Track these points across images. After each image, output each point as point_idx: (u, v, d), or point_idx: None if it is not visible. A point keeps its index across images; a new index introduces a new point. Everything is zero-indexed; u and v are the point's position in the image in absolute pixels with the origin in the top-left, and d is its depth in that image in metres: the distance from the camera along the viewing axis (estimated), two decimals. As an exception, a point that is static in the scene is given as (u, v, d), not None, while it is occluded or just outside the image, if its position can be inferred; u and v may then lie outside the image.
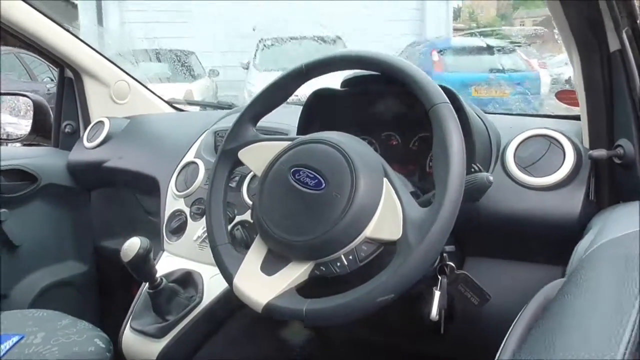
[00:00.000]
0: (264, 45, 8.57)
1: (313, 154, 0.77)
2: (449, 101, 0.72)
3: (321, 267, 0.74)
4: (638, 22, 0.76)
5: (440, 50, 7.98)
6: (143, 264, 0.95)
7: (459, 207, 0.69)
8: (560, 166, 0.83)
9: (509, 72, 7.11)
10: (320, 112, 1.00)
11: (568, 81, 14.99)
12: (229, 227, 1.03)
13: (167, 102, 1.77)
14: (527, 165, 0.86)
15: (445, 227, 0.68)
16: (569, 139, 0.85)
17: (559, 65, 21.47)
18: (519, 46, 14.43)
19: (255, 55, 8.38)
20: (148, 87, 1.71)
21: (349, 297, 0.68)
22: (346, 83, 0.98)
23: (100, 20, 8.22)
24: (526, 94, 6.53)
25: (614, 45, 0.76)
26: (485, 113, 1.01)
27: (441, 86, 0.85)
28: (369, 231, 0.72)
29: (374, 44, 9.48)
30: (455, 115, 0.71)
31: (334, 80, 0.97)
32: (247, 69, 8.28)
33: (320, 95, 1.01)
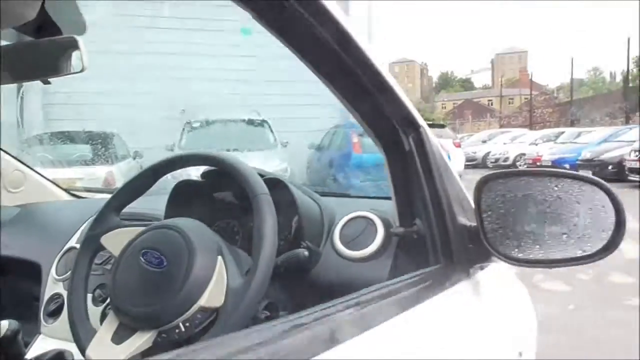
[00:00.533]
0: (191, 127, 8.72)
1: (160, 238, 0.89)
2: (267, 192, 0.87)
3: (163, 335, 0.85)
4: (419, 129, 0.96)
5: (361, 133, 8.41)
6: (10, 345, 1.02)
7: (268, 277, 0.83)
8: (373, 241, 0.99)
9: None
10: (184, 199, 1.13)
11: (483, 158, 15.97)
12: (102, 307, 1.13)
13: (65, 190, 1.85)
14: (348, 241, 1.02)
15: (258, 292, 0.82)
16: (381, 219, 1.01)
17: (475, 143, 22.89)
18: (442, 127, 15.39)
19: (181, 137, 8.49)
20: (45, 175, 1.79)
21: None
22: (204, 175, 1.13)
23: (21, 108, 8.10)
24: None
25: (407, 146, 0.96)
26: (326, 195, 1.19)
27: (274, 178, 1.01)
28: (203, 301, 0.84)
29: (301, 127, 9.88)
30: (272, 205, 0.86)
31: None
32: (172, 150, 8.36)
33: (184, 185, 1.15)
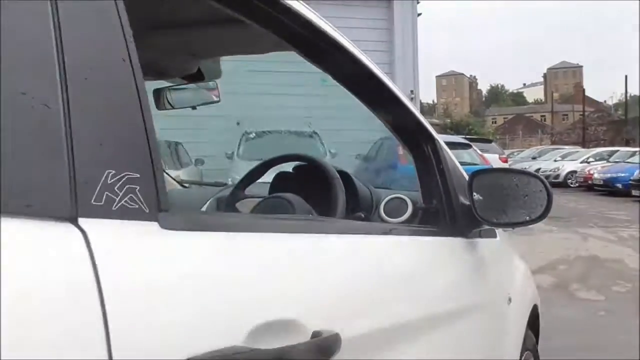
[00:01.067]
0: (248, 138, 9.41)
1: (274, 204, 1.40)
2: (338, 177, 1.39)
3: None
4: (435, 141, 1.46)
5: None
6: None
7: None
8: (405, 213, 1.49)
9: (465, 165, 7.93)
10: (282, 183, 1.65)
11: None
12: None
13: (176, 180, 2.44)
14: (389, 212, 1.52)
15: None
16: (410, 199, 1.51)
17: (526, 160, 22.80)
18: (489, 142, 15.55)
19: (239, 146, 9.19)
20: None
21: None
22: (295, 168, 1.65)
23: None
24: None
25: (427, 153, 1.46)
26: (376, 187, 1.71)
27: (342, 171, 1.55)
28: None
29: (349, 138, 10.42)
30: (342, 186, 1.38)
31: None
32: (230, 158, 9.06)
33: (282, 174, 1.67)
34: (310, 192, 1.36)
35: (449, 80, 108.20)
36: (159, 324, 0.55)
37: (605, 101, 73.00)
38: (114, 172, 0.55)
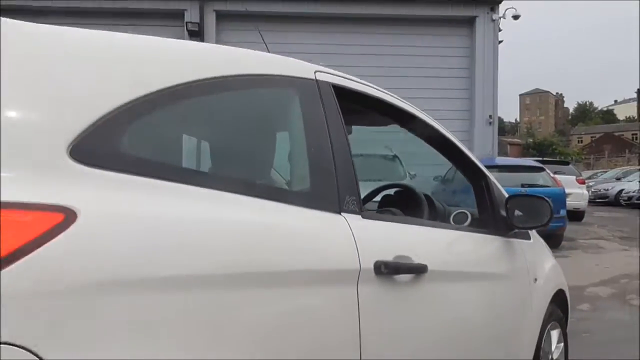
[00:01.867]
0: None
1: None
2: (424, 198, 2.39)
3: None
4: (486, 176, 2.43)
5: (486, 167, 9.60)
6: None
7: None
8: (466, 222, 2.45)
9: (538, 187, 8.58)
10: (387, 200, 2.67)
11: (616, 196, 15.71)
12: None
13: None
14: (456, 221, 2.49)
15: None
16: (470, 212, 2.43)
17: (609, 180, 22.37)
18: (566, 164, 15.75)
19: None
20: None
21: None
22: (396, 190, 2.65)
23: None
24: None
25: (483, 183, 2.44)
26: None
27: (425, 193, 2.54)
28: None
29: (428, 161, 11.21)
30: (426, 204, 2.38)
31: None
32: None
33: (386, 194, 2.69)
34: (404, 207, 2.33)
35: (533, 99, 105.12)
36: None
37: None
38: (347, 195, 1.57)
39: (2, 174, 0.90)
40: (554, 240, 8.79)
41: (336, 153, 1.54)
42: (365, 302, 1.43)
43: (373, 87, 1.90)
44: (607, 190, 21.29)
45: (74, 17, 11.68)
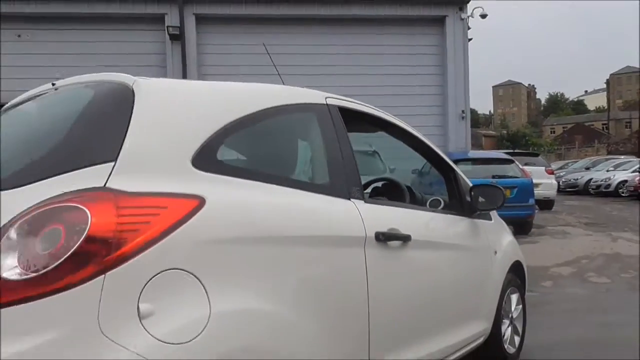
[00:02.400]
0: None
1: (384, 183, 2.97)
2: (405, 188, 2.91)
3: None
4: (454, 171, 2.95)
5: (456, 160, 10.22)
6: None
7: None
8: (439, 206, 2.98)
9: (508, 178, 9.21)
10: (377, 190, 3.17)
11: (585, 185, 16.59)
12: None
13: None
14: (432, 205, 3.00)
15: None
16: (443, 199, 2.99)
17: (579, 170, 23.22)
18: (536, 155, 16.47)
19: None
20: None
21: None
22: (382, 182, 3.16)
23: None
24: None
25: (451, 176, 2.97)
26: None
27: (406, 185, 3.07)
28: None
29: (406, 155, 11.80)
30: (407, 192, 2.90)
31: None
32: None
33: (375, 186, 3.21)
34: (391, 196, 2.87)
35: (506, 90, 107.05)
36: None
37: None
38: (353, 186, 2.09)
39: (159, 179, 1.49)
40: (524, 227, 9.46)
41: (344, 156, 2.13)
42: (370, 259, 2.02)
43: (366, 106, 2.50)
44: (577, 179, 22.22)
45: (57, 22, 11.97)
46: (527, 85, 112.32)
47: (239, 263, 1.56)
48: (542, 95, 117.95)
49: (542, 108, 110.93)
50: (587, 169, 24.27)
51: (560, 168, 26.60)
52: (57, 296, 1.21)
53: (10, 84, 11.31)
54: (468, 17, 13.34)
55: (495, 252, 3.09)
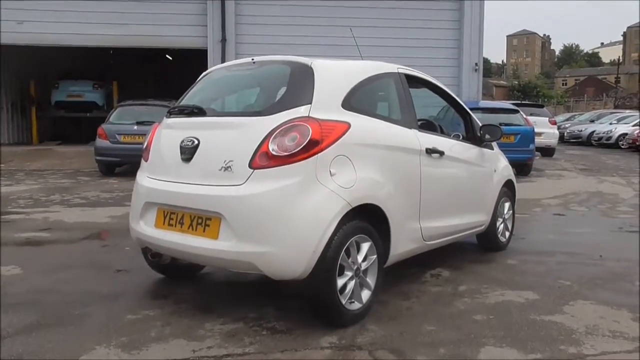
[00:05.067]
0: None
1: None
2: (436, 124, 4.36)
3: None
4: (470, 114, 4.38)
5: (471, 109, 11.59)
6: None
7: None
8: (460, 139, 4.44)
9: (513, 126, 10.60)
10: None
11: (588, 137, 18.15)
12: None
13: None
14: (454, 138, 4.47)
15: None
16: (461, 134, 4.44)
17: (584, 122, 24.43)
18: (541, 107, 17.65)
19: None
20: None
21: None
22: None
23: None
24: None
25: (467, 118, 4.41)
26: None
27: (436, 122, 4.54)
28: None
29: (422, 103, 13.16)
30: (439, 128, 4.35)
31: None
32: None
33: None
34: (430, 129, 4.30)
35: (520, 40, 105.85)
36: None
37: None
38: (413, 122, 3.58)
39: (328, 113, 2.94)
40: (524, 169, 10.95)
41: (408, 104, 3.54)
42: (422, 162, 3.53)
43: (418, 72, 3.89)
44: (581, 131, 23.35)
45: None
46: (542, 35, 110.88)
47: (366, 155, 3.03)
48: (556, 46, 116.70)
49: (556, 59, 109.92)
50: (592, 121, 25.33)
51: (567, 120, 27.66)
52: (296, 164, 2.71)
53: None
54: (487, -28, 14.32)
55: (495, 171, 4.57)
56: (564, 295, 3.54)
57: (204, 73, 3.70)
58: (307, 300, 2.93)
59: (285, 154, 2.73)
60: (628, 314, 3.20)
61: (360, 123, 3.05)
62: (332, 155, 2.82)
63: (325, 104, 2.95)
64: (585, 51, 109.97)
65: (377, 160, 3.10)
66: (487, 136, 4.35)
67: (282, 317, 3.07)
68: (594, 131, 22.67)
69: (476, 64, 14.50)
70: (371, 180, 3.02)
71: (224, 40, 13.59)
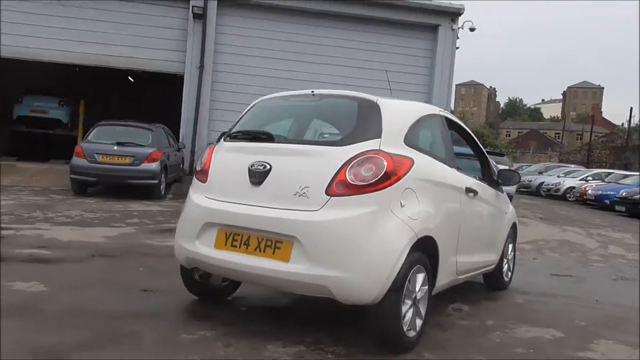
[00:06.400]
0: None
1: None
2: None
3: None
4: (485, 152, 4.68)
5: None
6: None
7: None
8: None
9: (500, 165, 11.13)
10: None
11: (537, 187, 19.11)
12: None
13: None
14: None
15: None
16: (480, 178, 4.73)
17: (532, 173, 25.64)
18: (502, 155, 18.52)
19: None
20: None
21: None
22: None
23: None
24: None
25: (480, 148, 4.70)
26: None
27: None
28: None
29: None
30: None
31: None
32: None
33: None
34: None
35: (468, 90, 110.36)
36: None
37: (622, 124, 75.08)
38: (454, 161, 3.81)
39: (394, 148, 3.12)
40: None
41: (449, 144, 3.79)
42: (462, 201, 3.73)
43: (453, 116, 4.16)
44: (530, 181, 24.54)
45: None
46: (488, 87, 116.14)
47: (425, 190, 3.23)
48: (502, 99, 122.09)
49: (500, 111, 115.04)
50: (540, 172, 26.71)
51: (516, 170, 28.89)
52: (372, 194, 2.86)
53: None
54: (458, 28, 15.16)
55: (506, 213, 4.87)
56: (586, 334, 3.79)
57: (255, 101, 3.79)
58: (369, 326, 3.03)
59: (362, 183, 2.88)
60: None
61: (419, 159, 3.26)
62: (402, 188, 3.00)
63: (392, 139, 3.14)
64: (528, 105, 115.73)
65: (432, 195, 3.30)
66: (501, 180, 4.64)
67: (338, 342, 3.16)
68: (542, 182, 23.87)
69: (444, 109, 15.08)
70: (428, 213, 3.21)
71: (201, 66, 13.65)
